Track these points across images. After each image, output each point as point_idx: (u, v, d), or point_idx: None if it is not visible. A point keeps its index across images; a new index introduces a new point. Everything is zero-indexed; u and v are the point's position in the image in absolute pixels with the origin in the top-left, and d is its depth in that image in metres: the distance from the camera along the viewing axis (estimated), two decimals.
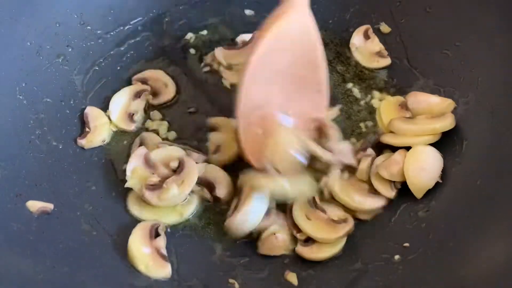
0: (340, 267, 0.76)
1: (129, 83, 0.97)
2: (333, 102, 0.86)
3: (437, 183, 0.78)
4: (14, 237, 0.72)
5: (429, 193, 0.79)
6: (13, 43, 0.87)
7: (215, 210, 0.83)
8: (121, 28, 1.01)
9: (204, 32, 1.04)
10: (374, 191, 0.80)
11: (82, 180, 0.84)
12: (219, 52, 0.97)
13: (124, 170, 0.82)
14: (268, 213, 0.78)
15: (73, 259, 0.73)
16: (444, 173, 0.79)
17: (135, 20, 1.02)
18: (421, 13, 0.94)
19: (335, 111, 0.86)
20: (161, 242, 0.77)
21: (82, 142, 0.88)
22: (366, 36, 0.99)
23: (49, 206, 0.77)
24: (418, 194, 0.79)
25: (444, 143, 0.82)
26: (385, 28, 0.99)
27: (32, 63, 0.89)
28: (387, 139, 0.84)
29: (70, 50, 0.94)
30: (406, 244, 0.75)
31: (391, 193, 0.80)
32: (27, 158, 0.82)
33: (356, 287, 0.73)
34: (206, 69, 0.99)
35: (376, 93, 0.94)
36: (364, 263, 0.75)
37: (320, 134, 0.81)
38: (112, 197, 0.84)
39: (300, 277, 0.76)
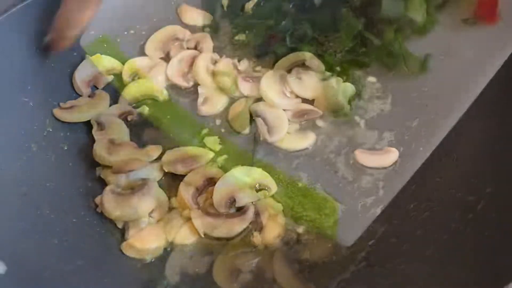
0: None
1: None
2: None
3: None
4: (21, 236, 0.73)
5: (428, 191, 0.80)
6: (18, 45, 0.88)
7: None
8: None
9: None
10: None
11: (87, 180, 0.85)
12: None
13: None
14: None
15: (78, 257, 0.74)
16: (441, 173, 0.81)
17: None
18: None
19: None
20: None
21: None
22: None
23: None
24: None
25: (440, 145, 0.84)
26: None
27: (37, 65, 0.90)
28: None
29: (75, 54, 0.96)
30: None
31: None
32: (33, 159, 0.83)
33: None
34: None
35: None
36: None
37: None
38: None
39: None
